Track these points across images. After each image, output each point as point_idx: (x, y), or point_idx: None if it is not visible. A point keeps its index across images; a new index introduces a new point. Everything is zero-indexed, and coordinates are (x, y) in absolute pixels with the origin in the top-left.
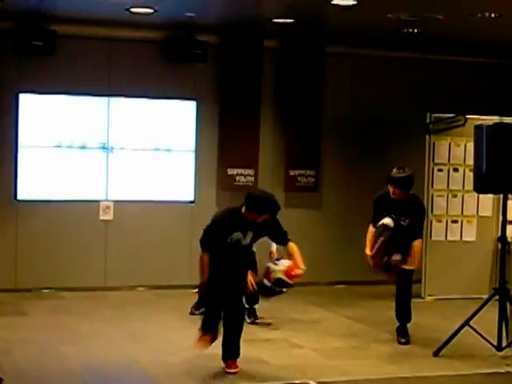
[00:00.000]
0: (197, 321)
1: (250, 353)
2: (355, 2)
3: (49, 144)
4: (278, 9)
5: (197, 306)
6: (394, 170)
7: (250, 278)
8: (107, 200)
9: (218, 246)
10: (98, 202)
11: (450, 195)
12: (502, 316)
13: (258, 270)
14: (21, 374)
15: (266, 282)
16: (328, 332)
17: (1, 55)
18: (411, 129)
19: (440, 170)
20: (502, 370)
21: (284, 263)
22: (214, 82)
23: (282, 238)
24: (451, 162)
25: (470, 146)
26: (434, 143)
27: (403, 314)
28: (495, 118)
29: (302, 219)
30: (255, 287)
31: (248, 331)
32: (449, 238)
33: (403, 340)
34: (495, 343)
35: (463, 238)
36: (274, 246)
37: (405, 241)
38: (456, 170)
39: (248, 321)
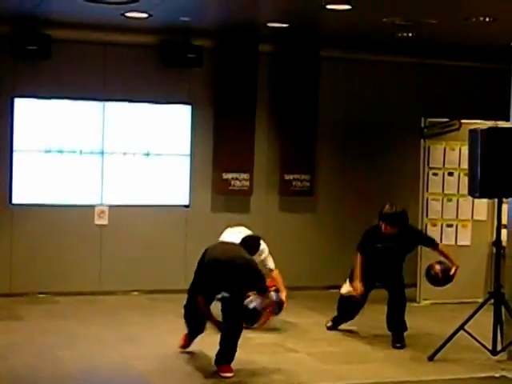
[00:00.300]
0: None
1: (245, 357)
2: (350, 7)
3: (44, 148)
4: (273, 13)
5: None
6: (387, 207)
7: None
8: (102, 204)
9: None
10: (93, 206)
11: (444, 199)
12: (497, 320)
13: None
14: (17, 378)
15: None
16: (323, 336)
17: None
18: (406, 133)
19: (435, 174)
20: (497, 375)
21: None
22: (209, 86)
23: None
24: (446, 166)
25: (465, 150)
26: (428, 147)
27: (397, 323)
28: (490, 123)
29: (297, 223)
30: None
31: (242, 335)
32: (444, 242)
33: (398, 344)
34: (490, 347)
35: (458, 242)
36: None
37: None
38: (451, 174)
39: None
